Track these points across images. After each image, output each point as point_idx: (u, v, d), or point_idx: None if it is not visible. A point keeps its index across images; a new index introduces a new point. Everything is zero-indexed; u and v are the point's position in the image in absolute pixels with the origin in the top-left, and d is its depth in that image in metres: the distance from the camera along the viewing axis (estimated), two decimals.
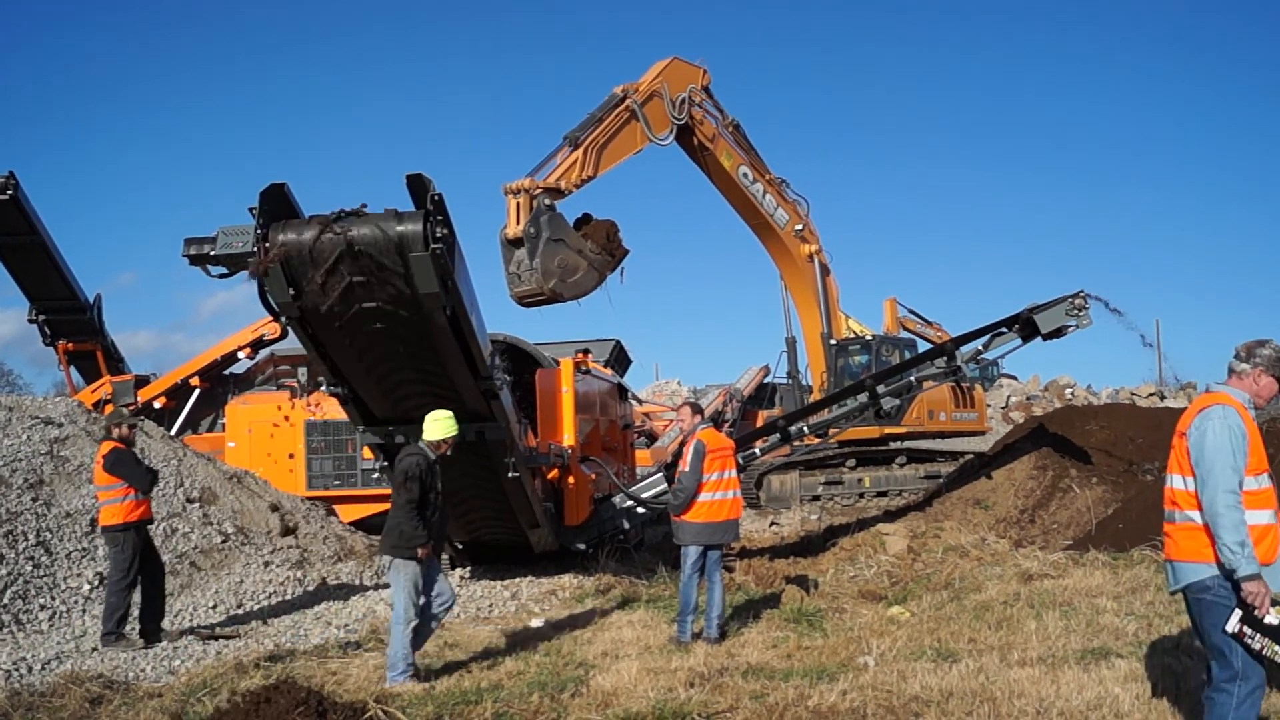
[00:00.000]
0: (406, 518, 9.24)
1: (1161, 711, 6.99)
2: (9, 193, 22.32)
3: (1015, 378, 44.09)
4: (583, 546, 15.23)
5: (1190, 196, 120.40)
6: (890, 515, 18.91)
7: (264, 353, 24.87)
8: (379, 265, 9.45)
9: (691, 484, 10.71)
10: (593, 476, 15.71)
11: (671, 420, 33.33)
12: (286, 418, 19.44)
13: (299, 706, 6.39)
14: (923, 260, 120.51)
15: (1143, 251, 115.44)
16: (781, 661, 9.36)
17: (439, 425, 9.66)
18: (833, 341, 23.91)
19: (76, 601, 12.31)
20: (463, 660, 9.83)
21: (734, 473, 10.92)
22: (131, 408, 22.51)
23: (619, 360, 22.89)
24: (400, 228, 9.32)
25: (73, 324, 25.67)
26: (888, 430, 23.70)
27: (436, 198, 9.41)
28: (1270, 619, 5.40)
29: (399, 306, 9.83)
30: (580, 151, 16.22)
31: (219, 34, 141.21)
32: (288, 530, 15.41)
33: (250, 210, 9.42)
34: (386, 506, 18.28)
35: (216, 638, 11.48)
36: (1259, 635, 5.41)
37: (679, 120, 18.55)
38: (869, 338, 25.82)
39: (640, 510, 15.61)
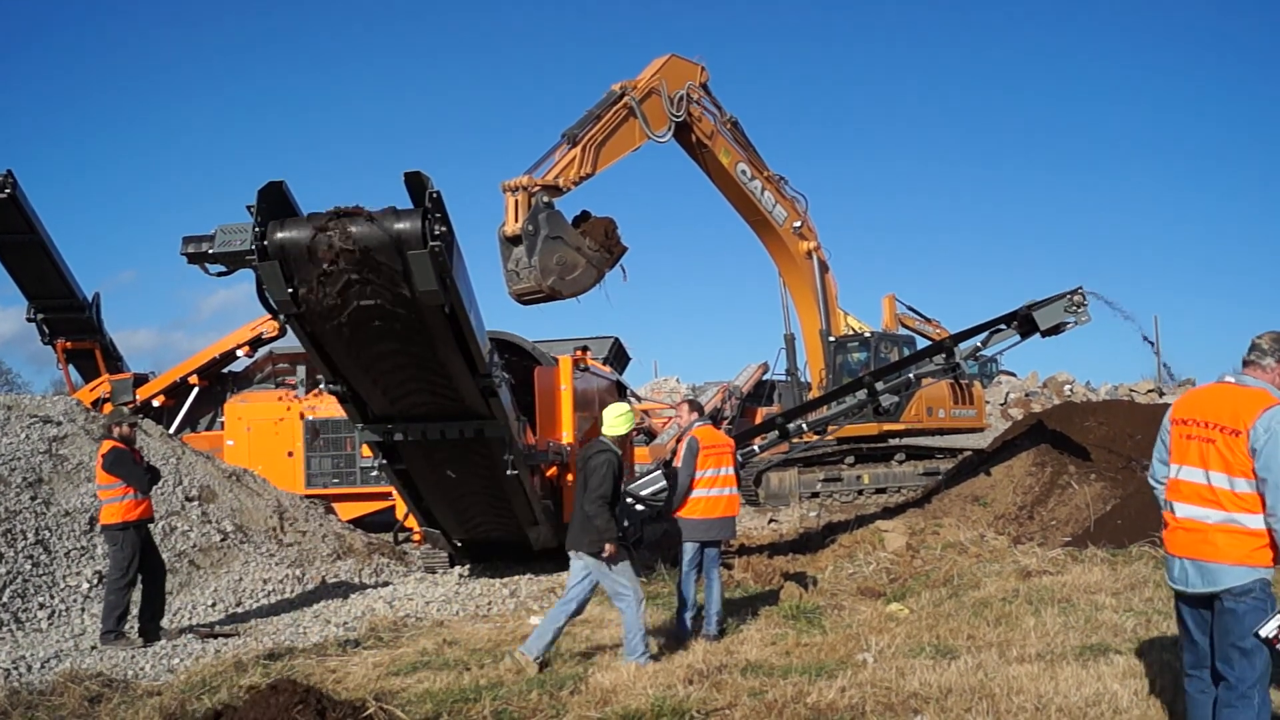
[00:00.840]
0: (600, 513, 9.31)
1: (1159, 708, 6.99)
2: (7, 191, 22.30)
3: (1014, 374, 44.08)
4: None
5: (1189, 193, 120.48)
6: (889, 512, 18.89)
7: (263, 351, 24.85)
8: (377, 263, 9.44)
9: (684, 480, 10.76)
10: None
11: (670, 418, 33.36)
12: (282, 419, 19.54)
13: (298, 704, 6.39)
14: (921, 257, 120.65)
15: (1141, 248, 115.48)
16: (780, 658, 9.36)
17: (622, 420, 9.79)
18: (831, 338, 23.91)
19: (75, 600, 12.31)
20: (462, 658, 9.82)
21: (731, 470, 10.88)
22: (130, 406, 22.52)
23: (618, 357, 22.90)
24: (398, 225, 9.31)
25: (71, 322, 25.64)
26: (886, 427, 23.70)
27: (435, 195, 9.40)
28: None
29: (397, 304, 9.83)
30: (579, 149, 16.21)
31: (218, 32, 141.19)
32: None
33: (248, 208, 9.41)
34: (385, 505, 18.53)
35: (215, 636, 11.49)
36: None
37: (677, 117, 18.54)
38: (868, 334, 25.80)
39: (639, 508, 15.59)
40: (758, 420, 27.52)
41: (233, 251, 9.66)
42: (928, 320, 33.27)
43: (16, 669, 9.84)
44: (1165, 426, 5.98)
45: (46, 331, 25.62)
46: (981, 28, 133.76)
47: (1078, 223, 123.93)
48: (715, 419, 11.75)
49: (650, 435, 31.38)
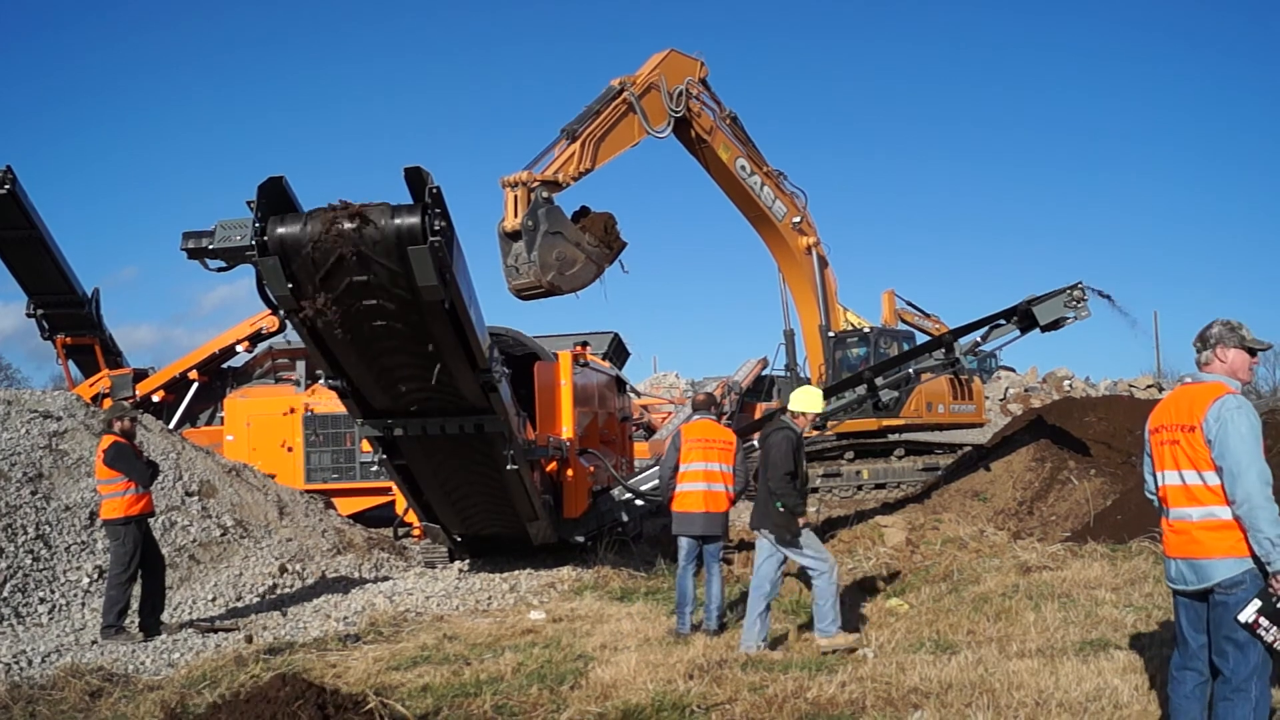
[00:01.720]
0: (786, 490, 9.44)
1: (1160, 702, 6.98)
2: (7, 187, 22.32)
3: (1013, 370, 44.14)
4: (581, 539, 15.26)
5: (1188, 189, 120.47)
6: (888, 507, 18.93)
7: (262, 346, 24.87)
8: (378, 259, 9.43)
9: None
10: (591, 469, 15.73)
11: (670, 413, 33.39)
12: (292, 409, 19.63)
13: (298, 699, 6.38)
14: (921, 253, 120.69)
15: (1140, 243, 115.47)
16: (780, 653, 9.37)
17: (810, 398, 9.96)
18: (831, 334, 23.89)
19: (76, 595, 12.31)
20: (462, 653, 9.83)
21: (719, 465, 10.78)
22: (130, 401, 22.53)
23: (617, 353, 22.84)
24: (398, 221, 9.30)
25: (71, 318, 25.67)
26: (886, 422, 23.69)
27: (434, 191, 9.39)
28: None
29: (397, 300, 9.82)
30: (578, 144, 16.19)
31: (219, 28, 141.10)
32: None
33: (248, 204, 9.41)
34: (385, 500, 18.54)
35: (216, 630, 11.49)
36: (1275, 627, 5.38)
37: (676, 113, 18.52)
38: (867, 330, 25.82)
39: (639, 503, 15.62)
40: (757, 415, 27.56)
41: (233, 247, 9.67)
42: (927, 315, 33.31)
43: (17, 663, 9.84)
44: (1146, 439, 6.06)
45: (46, 327, 25.64)
46: (981, 23, 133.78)
47: (1077, 218, 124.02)
48: (719, 414, 11.80)
49: (650, 430, 31.43)
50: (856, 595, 12.17)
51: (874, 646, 9.30)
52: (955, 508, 17.14)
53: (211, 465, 16.08)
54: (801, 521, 9.61)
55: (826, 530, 16.95)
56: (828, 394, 17.26)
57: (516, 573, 14.55)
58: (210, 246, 9.83)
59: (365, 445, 17.42)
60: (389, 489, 16.87)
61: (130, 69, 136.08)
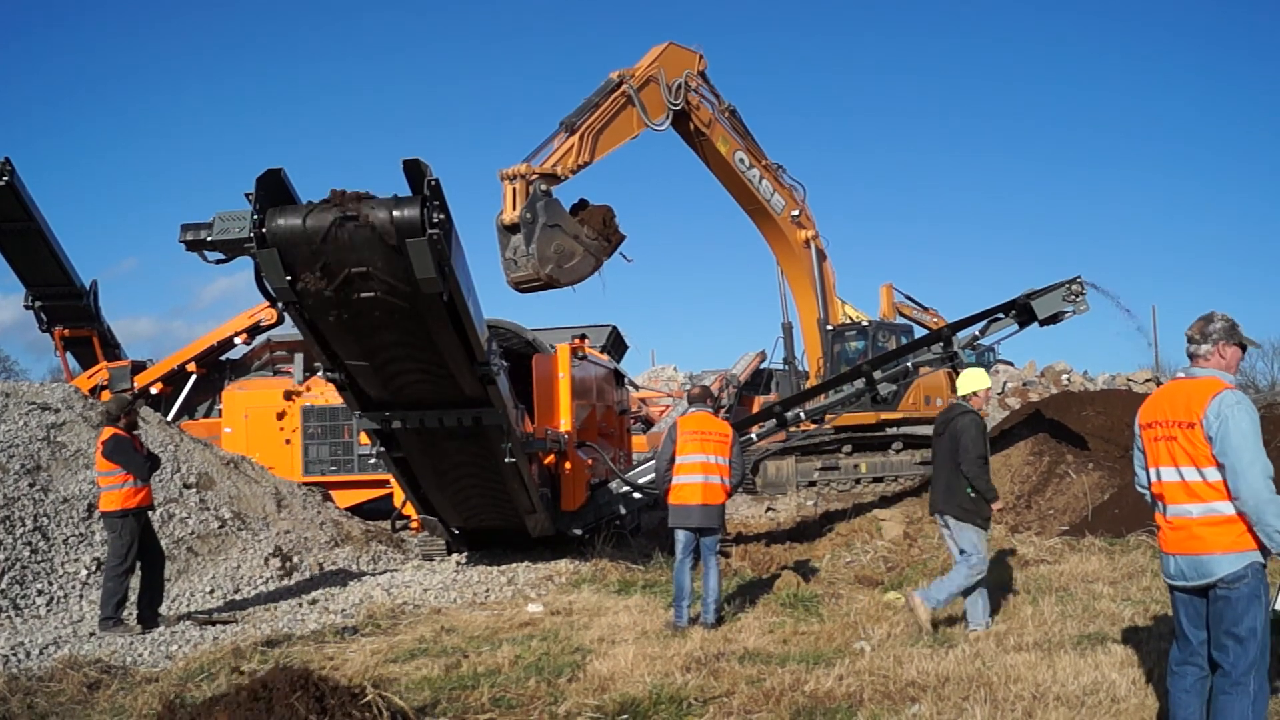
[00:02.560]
0: (980, 473, 9.51)
1: (1157, 697, 6.99)
2: (5, 179, 22.30)
3: (1011, 364, 44.04)
4: (579, 532, 15.26)
5: (1187, 183, 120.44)
6: (886, 501, 18.95)
7: (260, 338, 24.85)
8: (376, 250, 9.43)
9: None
10: (589, 462, 15.74)
11: (668, 405, 33.38)
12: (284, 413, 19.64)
13: (296, 691, 6.37)
14: (919, 246, 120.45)
15: (1139, 238, 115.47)
16: (778, 646, 9.38)
17: (979, 376, 10.17)
18: (829, 327, 23.92)
19: (74, 587, 12.31)
20: (460, 645, 9.84)
21: (715, 458, 10.75)
22: (129, 394, 22.52)
23: (615, 346, 22.86)
24: (397, 213, 9.29)
25: (69, 310, 25.65)
26: (884, 416, 23.70)
27: (433, 183, 9.38)
28: None
29: (396, 292, 9.80)
30: (576, 137, 16.19)
31: (219, 20, 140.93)
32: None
33: (247, 196, 9.39)
34: (383, 492, 18.54)
35: (214, 623, 11.49)
36: None
37: (675, 105, 18.52)
38: (865, 323, 25.81)
39: (637, 495, 15.63)
40: (755, 409, 27.54)
41: (231, 239, 9.63)
42: (925, 309, 33.27)
43: (15, 655, 9.84)
44: (1137, 433, 6.03)
45: (44, 319, 25.64)
46: (980, 17, 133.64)
47: (1076, 213, 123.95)
48: (715, 407, 11.77)
49: (648, 423, 31.42)
50: (854, 588, 12.19)
51: (872, 640, 9.31)
52: None
53: (209, 457, 16.09)
54: (995, 507, 9.80)
55: (824, 524, 16.97)
56: (825, 387, 17.29)
57: (514, 565, 14.56)
58: (208, 238, 9.77)
59: (363, 438, 17.44)
60: (387, 481, 16.87)
61: (130, 62, 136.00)
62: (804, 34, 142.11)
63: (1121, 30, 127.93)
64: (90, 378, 24.55)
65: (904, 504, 17.97)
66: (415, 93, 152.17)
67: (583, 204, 15.81)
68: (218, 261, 10.07)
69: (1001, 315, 15.42)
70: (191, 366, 24.63)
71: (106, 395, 22.06)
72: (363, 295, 9.78)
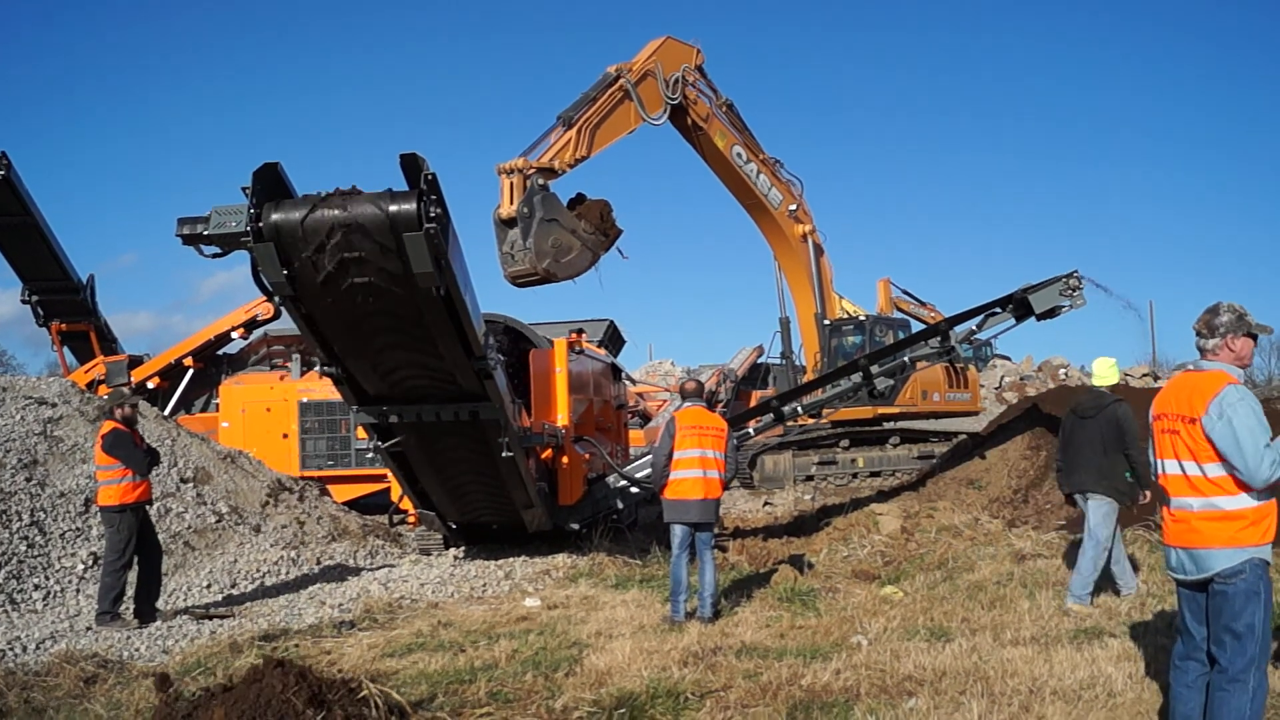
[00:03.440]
0: (1144, 461, 9.46)
1: (1154, 690, 7.01)
2: (1, 173, 22.27)
3: (1009, 358, 44.10)
4: (576, 526, 15.27)
5: (1183, 177, 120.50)
6: (884, 495, 18.94)
7: (258, 333, 24.83)
8: (372, 244, 9.42)
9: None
10: (586, 456, 15.73)
11: (666, 400, 33.36)
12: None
13: (293, 686, 6.37)
14: (917, 241, 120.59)
15: (1136, 233, 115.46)
16: (775, 641, 9.38)
17: (1112, 367, 10.70)
18: (826, 322, 23.92)
19: (71, 581, 12.31)
20: (457, 640, 9.84)
21: (713, 453, 10.76)
22: (126, 388, 22.51)
23: (613, 340, 22.86)
24: (394, 207, 9.28)
25: (66, 305, 25.62)
26: (881, 410, 23.70)
27: (430, 177, 9.37)
28: None
29: (391, 284, 9.80)
30: (574, 131, 16.18)
31: (216, 15, 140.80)
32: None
33: (243, 190, 9.38)
34: (380, 487, 18.54)
35: (211, 617, 11.49)
36: None
37: (673, 100, 18.51)
38: (863, 318, 25.83)
39: (634, 490, 15.63)
40: (752, 403, 27.54)
41: (228, 233, 9.62)
42: (923, 304, 33.27)
43: (12, 650, 9.85)
44: (1149, 425, 6.02)
45: (41, 313, 25.60)
46: (977, 12, 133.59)
47: (1073, 207, 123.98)
48: (710, 402, 11.73)
49: (645, 418, 31.40)
50: (851, 583, 12.19)
51: (869, 634, 9.31)
52: (950, 496, 17.15)
53: (206, 452, 16.08)
54: (1146, 495, 10.14)
55: (821, 518, 16.97)
56: (822, 382, 17.29)
57: (511, 560, 14.56)
58: (205, 233, 9.76)
59: (360, 432, 17.43)
60: (384, 476, 16.86)
61: (129, 56, 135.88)
62: (801, 29, 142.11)
63: (1119, 24, 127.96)
64: (87, 372, 24.53)
65: (901, 498, 17.97)
66: (412, 87, 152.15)
67: (580, 198, 15.81)
68: (214, 256, 10.07)
69: (999, 310, 15.40)
70: (189, 361, 24.61)
71: (104, 390, 22.07)
72: (359, 289, 9.76)
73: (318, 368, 12.57)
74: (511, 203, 14.82)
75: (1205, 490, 5.57)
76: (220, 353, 25.26)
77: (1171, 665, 5.89)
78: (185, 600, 12.48)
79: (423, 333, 10.68)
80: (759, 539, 15.58)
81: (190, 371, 24.65)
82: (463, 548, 15.46)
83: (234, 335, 24.67)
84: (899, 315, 29.65)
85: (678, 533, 10.68)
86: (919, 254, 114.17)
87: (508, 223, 14.89)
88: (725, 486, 11.08)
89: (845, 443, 24.39)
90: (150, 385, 24.23)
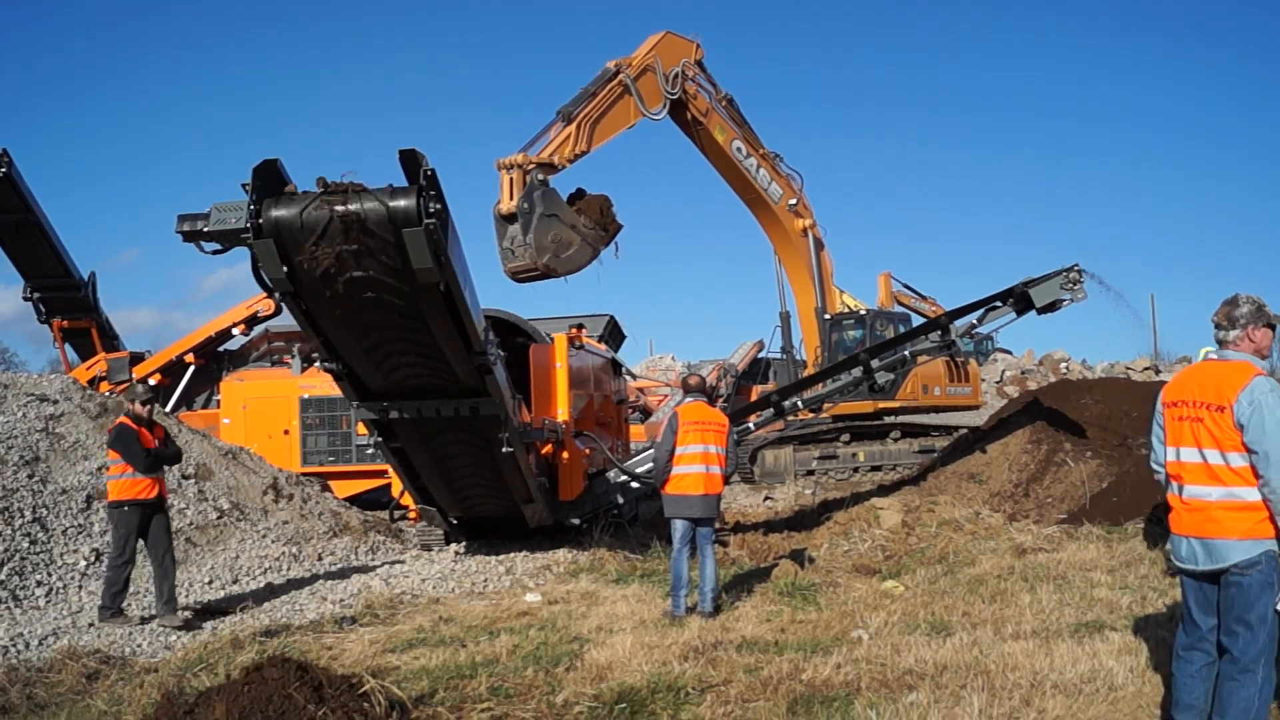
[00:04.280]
0: None
1: (1156, 684, 7.01)
2: (2, 170, 22.29)
3: (1010, 352, 44.15)
4: (577, 521, 15.27)
5: (1185, 171, 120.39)
6: (884, 490, 18.91)
7: (258, 329, 24.88)
8: (372, 239, 9.42)
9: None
10: (587, 451, 15.73)
11: (666, 395, 33.39)
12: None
13: (294, 681, 6.39)
14: (917, 235, 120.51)
15: (1137, 226, 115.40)
16: (775, 635, 9.39)
17: None
18: (827, 316, 23.93)
19: (73, 578, 12.31)
20: (458, 635, 9.85)
21: (715, 448, 10.78)
22: (126, 384, 22.55)
23: (613, 335, 22.92)
24: (393, 203, 9.28)
25: (67, 302, 25.67)
26: (882, 405, 23.73)
27: (429, 173, 9.37)
28: None
29: (391, 277, 9.80)
30: (573, 126, 16.17)
31: (218, 9, 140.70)
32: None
33: (243, 186, 9.38)
34: (381, 482, 18.56)
35: (212, 613, 11.48)
36: None
37: (672, 95, 18.50)
38: (863, 312, 25.88)
39: (634, 485, 15.63)
40: (753, 398, 27.56)
41: (228, 229, 9.61)
42: (923, 298, 33.33)
43: (14, 646, 9.85)
44: (1158, 410, 5.99)
45: (43, 310, 25.65)
46: (977, 5, 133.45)
47: (1074, 201, 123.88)
48: (711, 397, 11.71)
49: (645, 413, 31.44)
50: (852, 577, 12.20)
51: (869, 629, 9.32)
52: (951, 490, 17.13)
53: (208, 448, 16.09)
54: None
55: (822, 513, 16.97)
56: (823, 376, 17.28)
57: (512, 555, 14.56)
58: (205, 229, 9.75)
59: (361, 428, 17.43)
60: (385, 472, 16.88)
61: (130, 52, 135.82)
62: (801, 23, 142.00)
63: (1119, 18, 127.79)
64: (89, 369, 24.59)
65: (902, 493, 17.95)
66: (412, 83, 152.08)
67: (580, 193, 15.80)
68: (215, 252, 10.06)
69: (999, 303, 15.39)
70: (190, 357, 24.67)
71: (105, 387, 22.11)
72: (359, 285, 9.77)
73: (318, 364, 12.54)
74: (511, 198, 14.81)
75: (1227, 480, 5.54)
76: (221, 349, 25.30)
77: (1174, 655, 5.88)
78: (187, 597, 12.44)
79: (423, 328, 10.69)
80: (760, 534, 15.58)
81: (191, 368, 24.70)
82: (464, 543, 15.46)
83: (235, 332, 24.72)
84: (899, 309, 29.73)
85: (679, 528, 10.68)
86: (920, 248, 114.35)
87: (507, 218, 14.89)
88: (726, 481, 11.09)
89: (846, 437, 24.41)
90: (151, 382, 24.24)
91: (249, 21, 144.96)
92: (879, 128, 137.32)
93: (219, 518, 14.39)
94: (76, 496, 13.44)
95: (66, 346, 26.58)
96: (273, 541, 14.34)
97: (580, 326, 17.14)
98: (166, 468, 11.78)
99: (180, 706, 6.38)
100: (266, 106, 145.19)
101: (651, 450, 14.86)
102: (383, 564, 14.37)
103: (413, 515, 15.67)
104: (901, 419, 24.72)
